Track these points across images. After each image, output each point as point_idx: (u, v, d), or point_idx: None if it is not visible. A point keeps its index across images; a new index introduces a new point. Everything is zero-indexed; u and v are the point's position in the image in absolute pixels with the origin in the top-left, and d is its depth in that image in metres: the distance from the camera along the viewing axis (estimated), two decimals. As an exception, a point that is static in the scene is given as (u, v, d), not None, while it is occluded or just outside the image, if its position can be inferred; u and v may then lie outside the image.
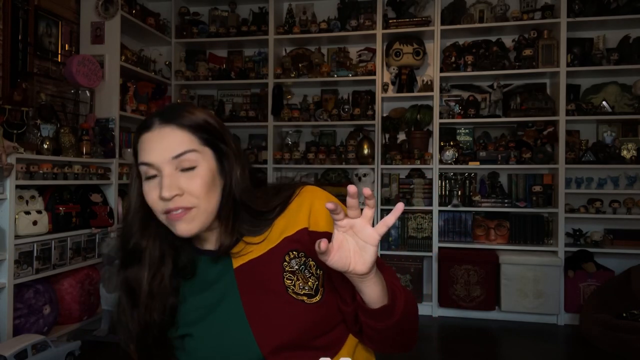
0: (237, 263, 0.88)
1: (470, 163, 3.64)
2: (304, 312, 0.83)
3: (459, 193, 3.71)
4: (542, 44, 3.52)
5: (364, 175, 3.65)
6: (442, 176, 3.74)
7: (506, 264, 3.43)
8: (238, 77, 3.99)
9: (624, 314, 2.97)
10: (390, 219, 0.69)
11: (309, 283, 0.85)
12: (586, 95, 3.69)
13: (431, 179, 3.72)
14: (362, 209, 0.71)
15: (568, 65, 3.47)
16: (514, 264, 3.41)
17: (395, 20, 3.75)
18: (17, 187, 2.50)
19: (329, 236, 0.76)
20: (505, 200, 3.61)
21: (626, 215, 3.44)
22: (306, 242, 0.86)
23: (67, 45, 3.30)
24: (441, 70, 3.67)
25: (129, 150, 3.53)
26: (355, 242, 0.72)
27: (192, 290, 0.89)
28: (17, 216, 2.50)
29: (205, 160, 0.83)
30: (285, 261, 0.86)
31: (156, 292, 0.86)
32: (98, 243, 3.04)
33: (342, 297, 0.84)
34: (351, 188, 0.69)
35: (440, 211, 3.67)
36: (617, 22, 3.48)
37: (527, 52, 3.55)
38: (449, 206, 3.67)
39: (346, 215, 0.71)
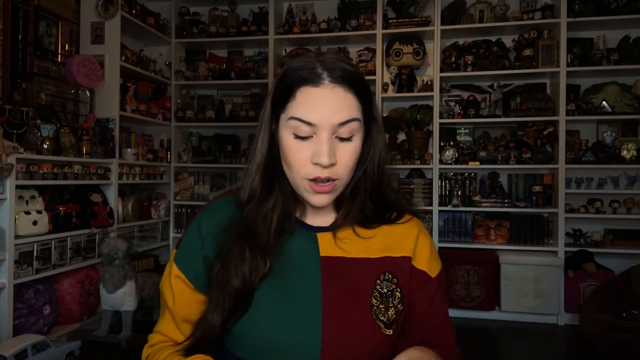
0: (325, 252, 0.82)
1: (470, 163, 3.64)
2: (377, 339, 0.78)
3: (459, 193, 3.71)
4: (542, 44, 3.52)
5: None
6: (442, 176, 3.74)
7: (506, 264, 3.43)
8: (238, 77, 3.99)
9: (624, 314, 2.97)
10: None
11: (389, 313, 0.81)
12: (586, 95, 3.69)
13: (431, 179, 3.71)
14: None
15: (568, 65, 3.47)
16: (514, 264, 3.41)
17: (395, 20, 3.75)
18: (17, 187, 2.50)
19: (427, 277, 0.84)
20: (505, 200, 3.61)
21: (626, 215, 3.44)
22: (405, 271, 0.84)
23: (67, 45, 3.30)
24: (441, 70, 3.67)
25: (129, 150, 3.54)
26: None
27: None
28: (17, 216, 2.50)
29: (360, 132, 0.79)
30: (379, 279, 0.82)
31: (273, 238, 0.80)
32: (98, 243, 3.04)
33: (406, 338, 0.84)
34: None
35: (440, 211, 3.67)
36: (617, 22, 3.47)
37: (527, 52, 3.54)
38: (449, 206, 3.67)
39: None
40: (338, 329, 0.76)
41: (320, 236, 0.83)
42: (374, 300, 0.80)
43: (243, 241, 0.79)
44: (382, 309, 0.80)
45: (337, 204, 0.85)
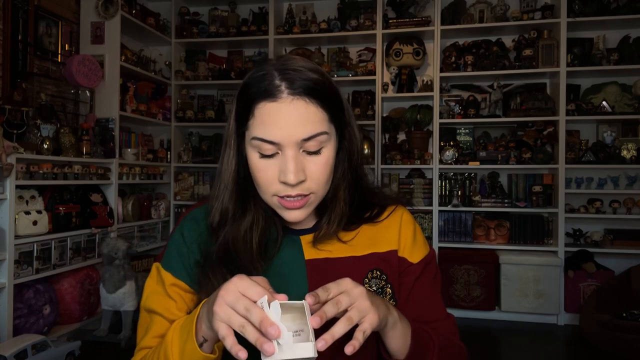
0: (309, 255, 0.81)
1: (470, 163, 3.63)
2: (368, 340, 0.76)
3: (459, 193, 3.71)
4: (542, 44, 3.52)
5: (364, 175, 3.65)
6: (442, 176, 3.74)
7: (506, 264, 3.43)
8: (238, 77, 3.99)
9: (624, 314, 2.97)
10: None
11: None
12: (586, 95, 3.69)
13: (431, 179, 3.71)
14: None
15: (568, 65, 3.47)
16: (514, 264, 3.41)
17: (395, 20, 3.75)
18: (17, 187, 2.50)
19: (407, 263, 0.82)
20: (505, 200, 3.61)
21: (626, 215, 3.44)
22: (393, 265, 0.82)
23: (67, 45, 3.30)
24: (441, 70, 3.67)
25: (129, 150, 3.53)
26: None
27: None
28: (17, 216, 2.50)
29: (331, 142, 0.74)
30: (367, 278, 0.80)
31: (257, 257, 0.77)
32: (98, 243, 3.04)
33: None
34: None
35: (440, 211, 3.67)
36: (617, 22, 3.48)
37: (527, 52, 3.54)
38: (449, 206, 3.67)
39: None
40: None
41: (304, 239, 0.82)
42: None
43: (224, 268, 0.76)
44: None
45: (319, 208, 0.82)
